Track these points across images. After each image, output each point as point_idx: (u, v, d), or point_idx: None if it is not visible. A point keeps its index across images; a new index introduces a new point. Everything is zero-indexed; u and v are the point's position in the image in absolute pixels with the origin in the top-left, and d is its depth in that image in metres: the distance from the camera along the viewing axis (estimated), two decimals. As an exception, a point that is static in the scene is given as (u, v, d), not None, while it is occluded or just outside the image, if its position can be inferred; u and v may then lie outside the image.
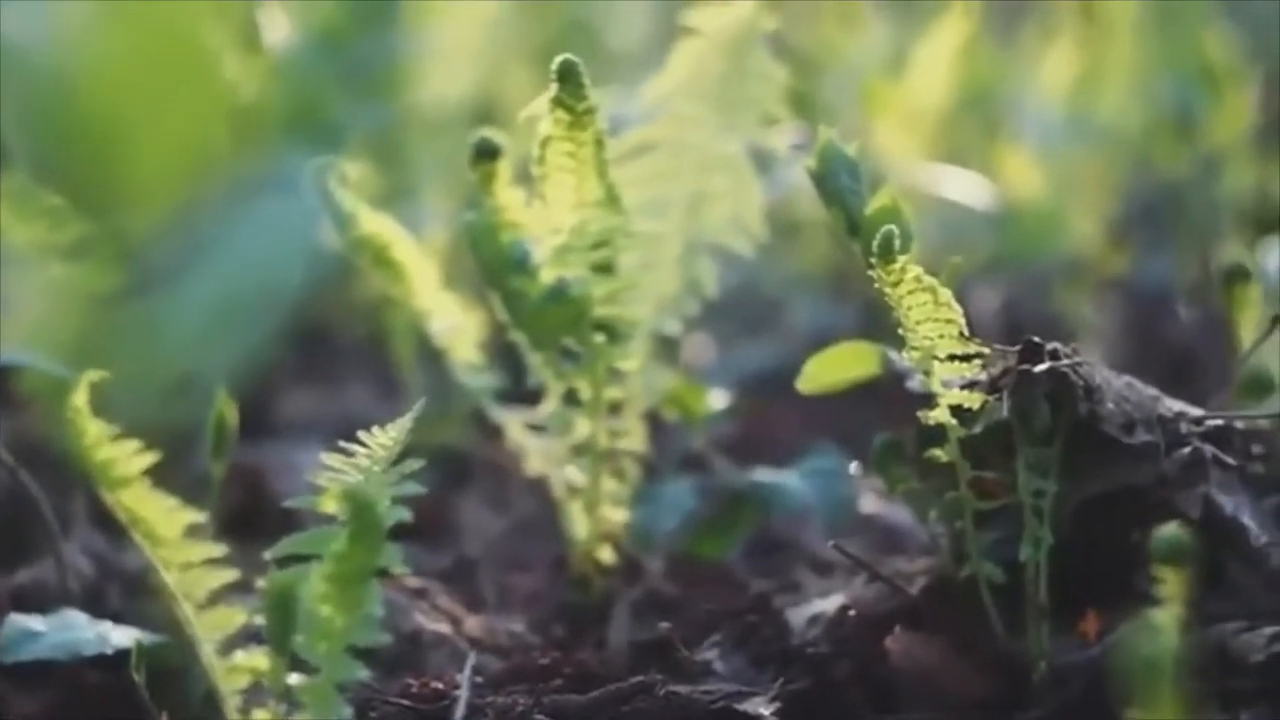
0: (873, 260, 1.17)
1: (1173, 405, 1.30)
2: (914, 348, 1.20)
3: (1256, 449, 1.33)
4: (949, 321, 1.19)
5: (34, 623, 1.30)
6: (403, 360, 2.01)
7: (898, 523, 1.67)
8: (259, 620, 1.08)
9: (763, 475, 1.60)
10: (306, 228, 1.48)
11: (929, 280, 1.17)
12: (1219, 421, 1.31)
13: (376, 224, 1.50)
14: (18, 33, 1.38)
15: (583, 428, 1.51)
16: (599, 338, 1.47)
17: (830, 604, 1.38)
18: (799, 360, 1.42)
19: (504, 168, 1.45)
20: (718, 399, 1.66)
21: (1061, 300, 2.45)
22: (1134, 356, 2.19)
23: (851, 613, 1.34)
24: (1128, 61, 2.61)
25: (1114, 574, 1.24)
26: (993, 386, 1.24)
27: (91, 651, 1.28)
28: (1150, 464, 1.25)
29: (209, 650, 1.12)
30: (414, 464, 1.11)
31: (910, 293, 1.17)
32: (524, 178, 1.44)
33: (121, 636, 1.28)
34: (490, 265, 1.44)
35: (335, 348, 2.34)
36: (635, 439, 1.54)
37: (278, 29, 2.09)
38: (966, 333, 1.20)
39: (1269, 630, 1.20)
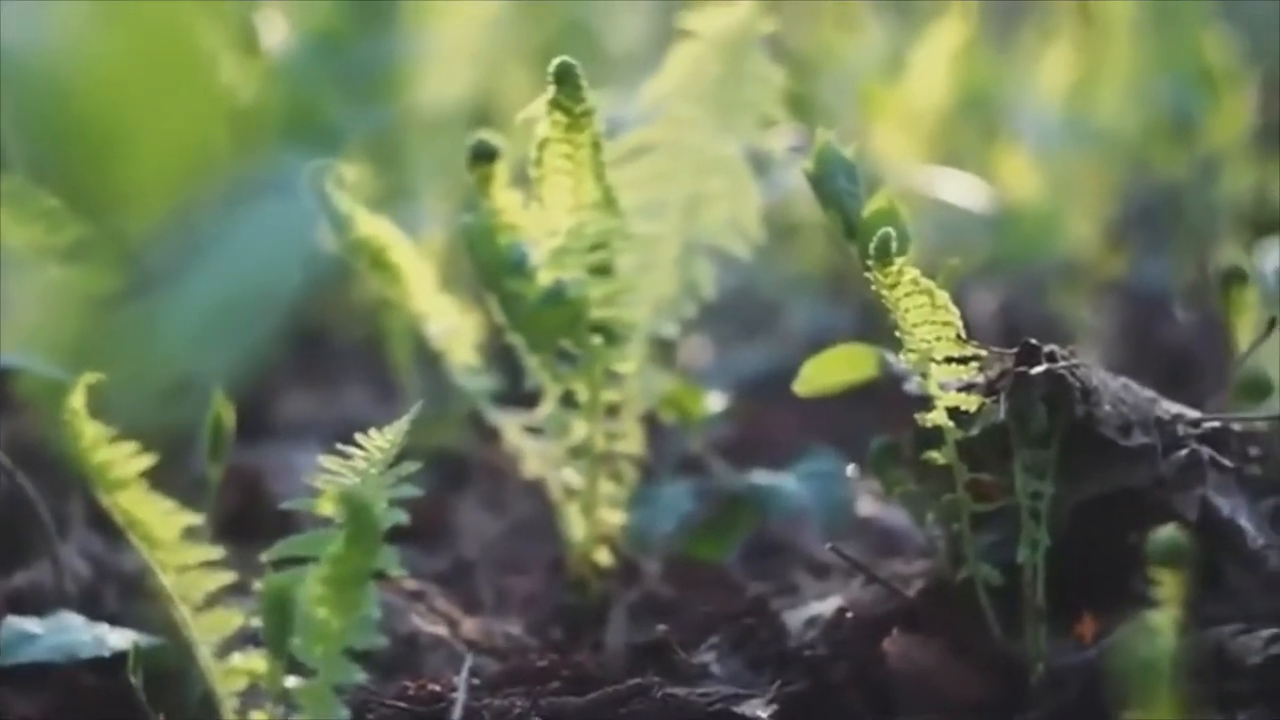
0: (870, 262, 1.16)
1: (1170, 407, 1.30)
2: (911, 350, 1.20)
3: (1254, 451, 1.33)
4: (946, 324, 1.19)
5: (31, 625, 1.30)
6: (400, 362, 2.01)
7: (895, 525, 1.67)
8: (256, 622, 1.08)
9: (760, 477, 1.60)
10: (304, 230, 1.48)
11: (926, 282, 1.17)
12: (1216, 423, 1.31)
13: (374, 226, 1.50)
14: (16, 35, 1.38)
15: (580, 430, 1.51)
16: (596, 340, 1.46)
17: (827, 606, 1.38)
18: (796, 362, 1.41)
19: (501, 170, 1.45)
20: (715, 401, 1.65)
21: (1059, 302, 2.45)
22: (1131, 358, 2.19)
23: (849, 615, 1.33)
24: (1125, 63, 2.61)
25: (1111, 576, 1.24)
26: (990, 389, 1.24)
27: (88, 654, 1.28)
28: (1147, 466, 1.25)
29: (206, 652, 1.12)
30: (411, 466, 1.11)
31: (908, 295, 1.17)
32: (521, 180, 1.44)
33: (118, 639, 1.28)
34: (488, 267, 1.44)
35: (333, 350, 2.34)
36: (633, 441, 1.54)
37: (275, 31, 2.09)
38: (964, 335, 1.20)
39: (1266, 632, 1.19)
